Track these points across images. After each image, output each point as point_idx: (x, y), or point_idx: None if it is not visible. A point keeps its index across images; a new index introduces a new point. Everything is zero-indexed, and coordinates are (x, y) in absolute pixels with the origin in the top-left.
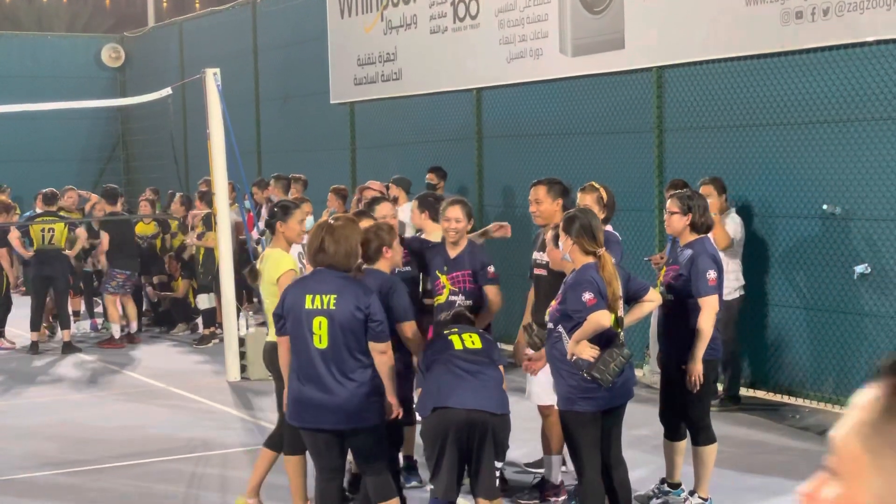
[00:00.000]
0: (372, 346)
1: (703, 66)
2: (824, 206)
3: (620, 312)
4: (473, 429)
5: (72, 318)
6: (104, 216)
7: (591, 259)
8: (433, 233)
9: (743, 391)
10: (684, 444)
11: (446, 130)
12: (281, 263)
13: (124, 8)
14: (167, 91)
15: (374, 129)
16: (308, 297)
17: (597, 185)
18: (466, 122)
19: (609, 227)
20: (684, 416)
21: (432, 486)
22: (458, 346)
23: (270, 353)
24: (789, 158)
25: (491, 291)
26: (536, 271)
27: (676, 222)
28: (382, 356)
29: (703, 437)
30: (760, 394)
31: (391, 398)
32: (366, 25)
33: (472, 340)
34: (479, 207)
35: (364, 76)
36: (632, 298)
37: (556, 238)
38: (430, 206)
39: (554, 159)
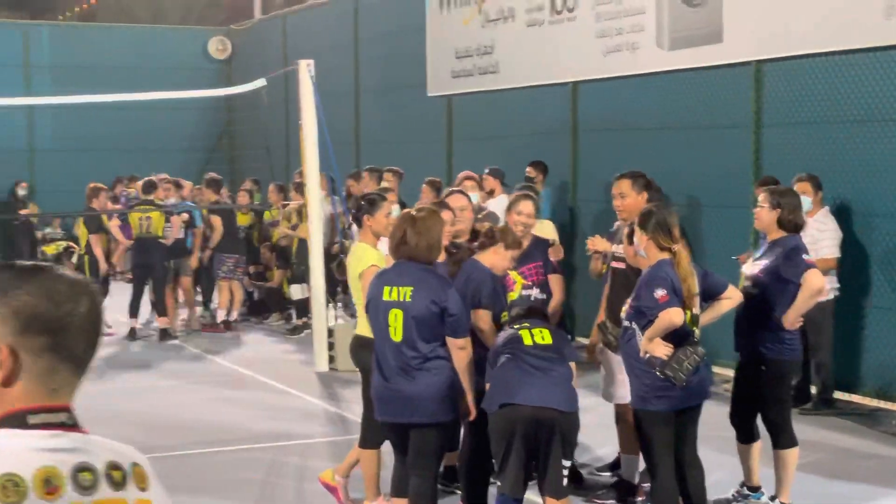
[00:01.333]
0: (450, 341)
1: (803, 60)
2: None
3: (696, 310)
4: (541, 426)
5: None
6: (208, 205)
7: (666, 255)
8: (537, 224)
9: (837, 395)
10: (759, 446)
11: (541, 124)
12: (364, 258)
13: (236, 0)
14: (261, 82)
15: (471, 121)
16: (386, 290)
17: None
18: (562, 115)
19: None
20: (763, 419)
21: (499, 483)
22: (527, 341)
23: (356, 346)
24: (891, 156)
25: (554, 280)
26: (614, 264)
27: (765, 216)
28: (461, 352)
29: (783, 440)
30: (856, 398)
31: (468, 398)
32: (464, 18)
33: (543, 336)
34: (574, 202)
35: (461, 69)
36: (709, 296)
37: (631, 234)
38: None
39: (649, 154)
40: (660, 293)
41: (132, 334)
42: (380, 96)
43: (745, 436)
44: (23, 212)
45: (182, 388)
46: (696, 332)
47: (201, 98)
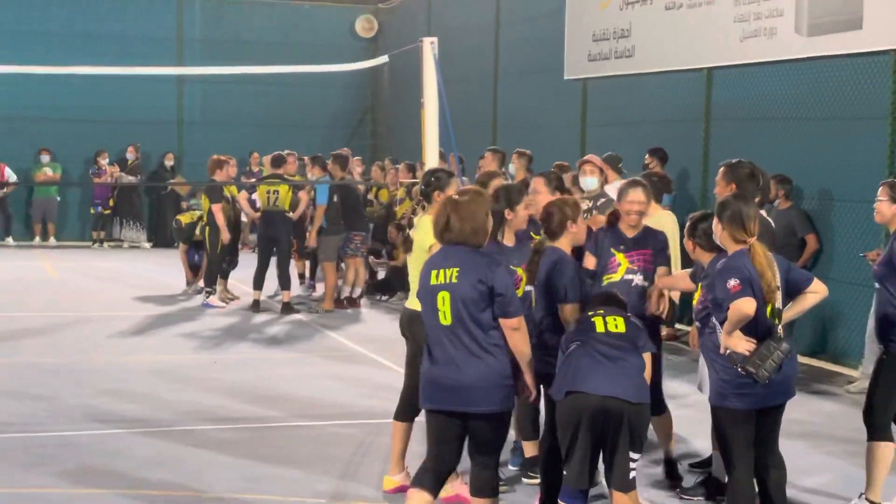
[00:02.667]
0: (502, 322)
1: None
2: None
3: (778, 304)
4: (608, 416)
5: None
6: (337, 181)
7: (741, 248)
8: (653, 215)
9: None
10: (892, 449)
11: (674, 111)
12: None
13: None
14: (384, 59)
15: (605, 106)
16: (433, 273)
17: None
18: (695, 102)
19: (762, 213)
20: (867, 405)
21: (565, 473)
22: (600, 328)
23: (408, 319)
24: None
25: (663, 271)
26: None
27: (885, 209)
28: (515, 333)
29: (878, 433)
30: None
31: (527, 378)
32: (602, 1)
33: (616, 324)
34: (703, 192)
35: (598, 52)
36: (794, 290)
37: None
38: (656, 185)
39: (782, 144)
40: (732, 283)
41: (255, 306)
42: (517, 79)
43: (879, 433)
44: (171, 182)
45: (294, 361)
46: (780, 327)
47: (346, 76)
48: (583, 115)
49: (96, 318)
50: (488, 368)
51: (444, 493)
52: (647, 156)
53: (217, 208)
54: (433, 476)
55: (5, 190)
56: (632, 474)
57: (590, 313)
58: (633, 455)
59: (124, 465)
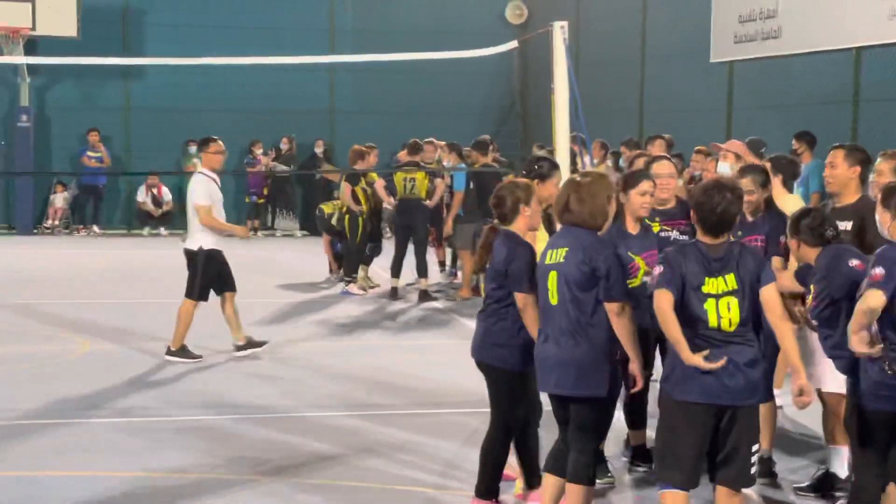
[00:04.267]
0: (606, 306)
1: None
2: None
3: None
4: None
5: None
6: (478, 168)
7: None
8: (781, 198)
9: None
10: None
11: (822, 92)
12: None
13: None
14: (513, 44)
15: (751, 89)
16: (549, 253)
17: None
18: (843, 83)
19: None
20: None
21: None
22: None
23: None
24: None
25: (776, 262)
26: None
27: None
28: (617, 318)
29: None
30: None
31: (633, 367)
32: None
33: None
34: None
35: (744, 34)
36: None
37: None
38: (784, 168)
39: None
40: (877, 271)
41: (394, 293)
42: (664, 62)
43: None
44: (319, 170)
45: (423, 349)
46: None
47: (495, 63)
48: (729, 99)
49: (241, 304)
50: (590, 350)
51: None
52: (794, 140)
53: (348, 188)
54: (564, 459)
55: (162, 209)
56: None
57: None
58: (753, 447)
59: (242, 449)
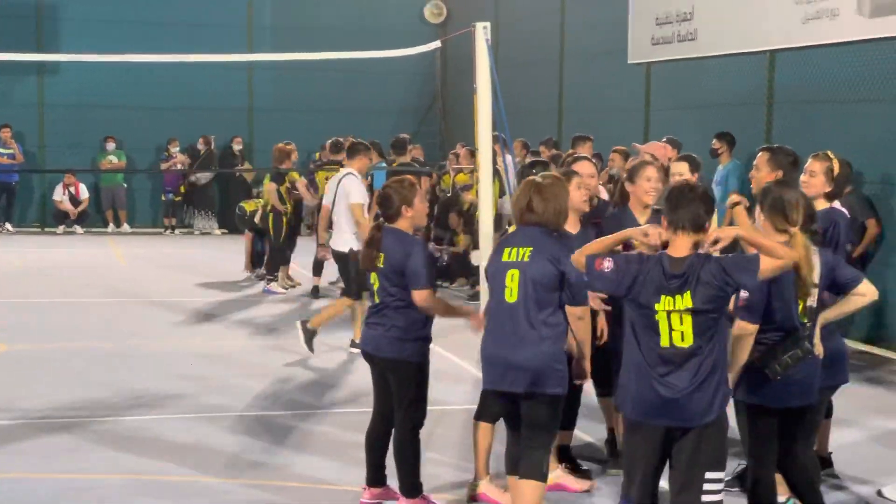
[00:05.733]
0: (569, 309)
1: None
2: None
3: (812, 301)
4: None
5: None
6: (394, 167)
7: (783, 237)
8: None
9: None
10: None
11: (737, 94)
12: None
13: None
14: (437, 44)
15: (668, 90)
16: (506, 251)
17: (831, 155)
18: (758, 85)
19: (836, 204)
20: None
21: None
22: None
23: None
24: None
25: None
26: None
27: None
28: (579, 322)
29: None
30: None
31: (584, 362)
32: None
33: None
34: None
35: (661, 36)
36: (840, 290)
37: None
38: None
39: (843, 127)
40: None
41: (315, 292)
42: (583, 62)
43: None
44: (239, 168)
45: (346, 346)
46: (808, 325)
47: (414, 62)
48: (646, 99)
49: (159, 304)
50: (542, 349)
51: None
52: (714, 140)
53: (272, 187)
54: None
55: (80, 209)
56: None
57: None
58: (713, 475)
59: (170, 449)
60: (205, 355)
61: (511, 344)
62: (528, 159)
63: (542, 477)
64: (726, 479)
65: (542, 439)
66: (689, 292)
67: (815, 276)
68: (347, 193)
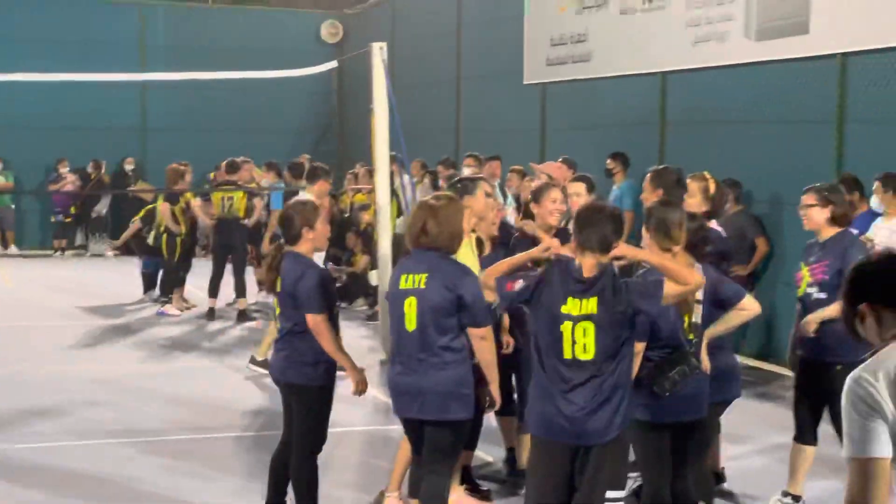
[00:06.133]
0: (470, 331)
1: (889, 53)
2: None
3: (695, 318)
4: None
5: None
6: (292, 188)
7: (668, 256)
8: None
9: None
10: (813, 452)
11: (631, 115)
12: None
13: None
14: (333, 64)
15: (564, 111)
16: (403, 277)
17: (707, 176)
18: (651, 106)
19: (713, 224)
20: (835, 418)
21: None
22: None
23: None
24: None
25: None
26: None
27: (816, 215)
28: (482, 342)
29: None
30: None
31: (493, 389)
32: (560, 5)
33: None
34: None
35: (556, 57)
36: (723, 305)
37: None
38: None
39: (733, 147)
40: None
41: (211, 314)
42: (479, 83)
43: (803, 435)
44: (132, 188)
45: (243, 369)
46: (694, 341)
47: (311, 82)
48: (542, 120)
49: (46, 327)
50: (445, 375)
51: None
52: (608, 160)
53: (166, 208)
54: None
55: None
56: None
57: None
58: (612, 493)
59: (52, 478)
60: (97, 380)
61: (415, 372)
62: (426, 180)
63: (444, 501)
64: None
65: (444, 465)
66: (595, 298)
67: (699, 293)
68: None
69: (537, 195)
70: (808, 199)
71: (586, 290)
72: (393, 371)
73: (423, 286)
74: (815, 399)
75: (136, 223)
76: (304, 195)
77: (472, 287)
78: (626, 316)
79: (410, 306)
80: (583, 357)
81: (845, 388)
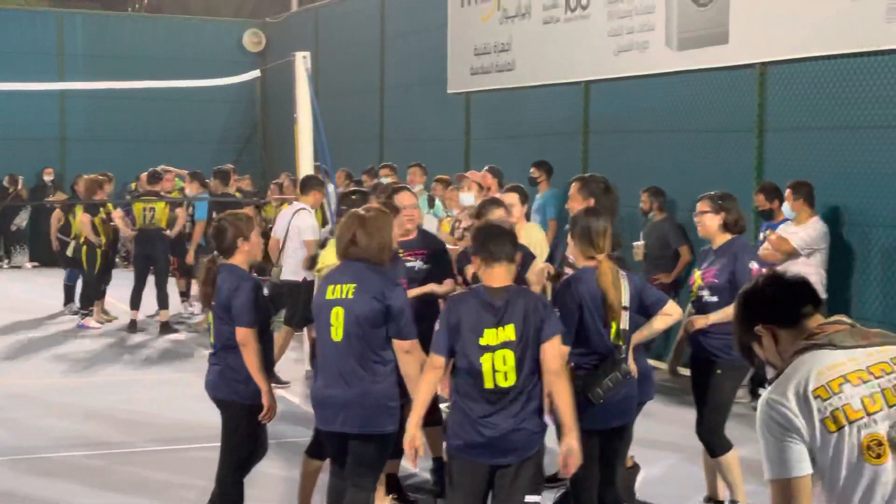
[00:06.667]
0: (396, 343)
1: (806, 63)
2: None
3: (623, 324)
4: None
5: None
6: (214, 196)
7: (592, 263)
8: (521, 225)
9: None
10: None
11: (555, 123)
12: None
13: None
14: (256, 73)
15: (487, 120)
16: (329, 288)
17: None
18: (574, 115)
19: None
20: (700, 424)
21: None
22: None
23: None
24: (888, 164)
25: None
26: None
27: (709, 222)
28: (407, 356)
29: (719, 448)
30: None
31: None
32: (483, 15)
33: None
34: None
35: (480, 66)
36: (648, 312)
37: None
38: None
39: (656, 156)
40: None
41: (132, 326)
42: (403, 92)
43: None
44: (51, 199)
45: (167, 382)
46: (623, 347)
47: (233, 91)
48: (466, 129)
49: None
50: (370, 388)
51: None
52: (532, 168)
53: (86, 219)
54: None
55: None
56: None
57: None
58: (530, 498)
59: None
60: (14, 395)
61: (341, 384)
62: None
63: None
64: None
65: (368, 479)
66: (511, 325)
67: (625, 300)
68: (301, 230)
69: (482, 211)
70: (702, 206)
71: (501, 319)
72: (317, 383)
73: (350, 296)
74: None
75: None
76: (298, 205)
77: (400, 299)
78: (538, 332)
79: (337, 317)
80: (504, 385)
81: (758, 412)
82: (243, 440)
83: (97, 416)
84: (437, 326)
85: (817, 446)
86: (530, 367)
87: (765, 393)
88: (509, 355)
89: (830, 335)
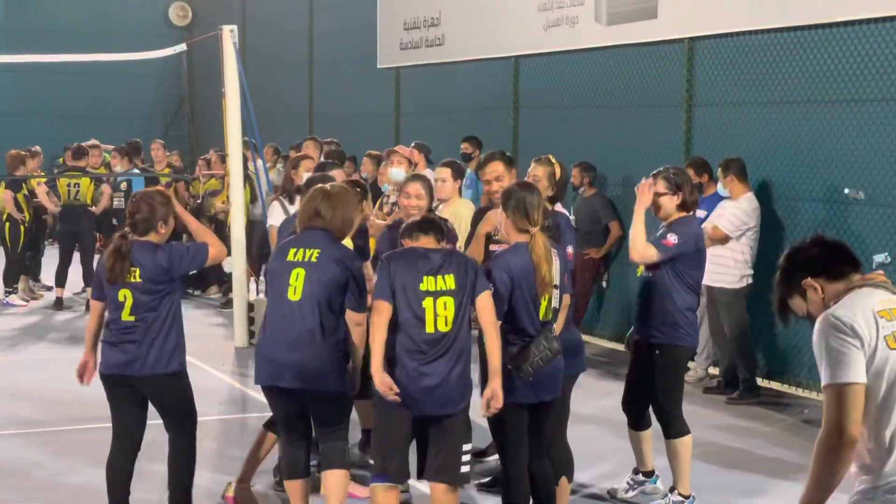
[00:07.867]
0: (349, 315)
1: (735, 38)
2: (846, 191)
3: (555, 302)
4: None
5: None
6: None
7: (524, 238)
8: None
9: (774, 384)
10: (650, 433)
11: (485, 99)
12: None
13: None
14: (182, 47)
15: (417, 95)
16: (291, 251)
17: (553, 160)
18: (504, 90)
19: (559, 207)
20: (654, 406)
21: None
22: None
23: None
24: (815, 138)
25: None
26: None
27: (668, 203)
28: (358, 328)
29: (674, 428)
30: (775, 385)
31: (354, 372)
32: None
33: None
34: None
35: (409, 41)
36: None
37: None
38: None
39: (586, 131)
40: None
41: (59, 304)
42: (332, 67)
43: (637, 422)
44: None
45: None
46: (553, 325)
47: (160, 65)
48: (396, 104)
49: None
50: (330, 348)
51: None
52: (463, 143)
53: (8, 195)
54: (301, 461)
55: None
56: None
57: None
58: (465, 446)
59: None
60: None
61: (291, 342)
62: (279, 165)
63: (344, 465)
64: (484, 480)
65: (336, 433)
66: (451, 275)
67: (556, 276)
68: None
69: (402, 187)
70: (659, 187)
71: (440, 269)
72: (266, 340)
73: (314, 260)
74: (643, 383)
75: None
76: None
77: (360, 271)
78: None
79: (297, 278)
80: (444, 329)
81: (819, 328)
82: (190, 408)
83: (23, 396)
84: (375, 278)
85: (875, 358)
86: (465, 316)
87: (826, 314)
88: (450, 301)
89: (879, 282)
